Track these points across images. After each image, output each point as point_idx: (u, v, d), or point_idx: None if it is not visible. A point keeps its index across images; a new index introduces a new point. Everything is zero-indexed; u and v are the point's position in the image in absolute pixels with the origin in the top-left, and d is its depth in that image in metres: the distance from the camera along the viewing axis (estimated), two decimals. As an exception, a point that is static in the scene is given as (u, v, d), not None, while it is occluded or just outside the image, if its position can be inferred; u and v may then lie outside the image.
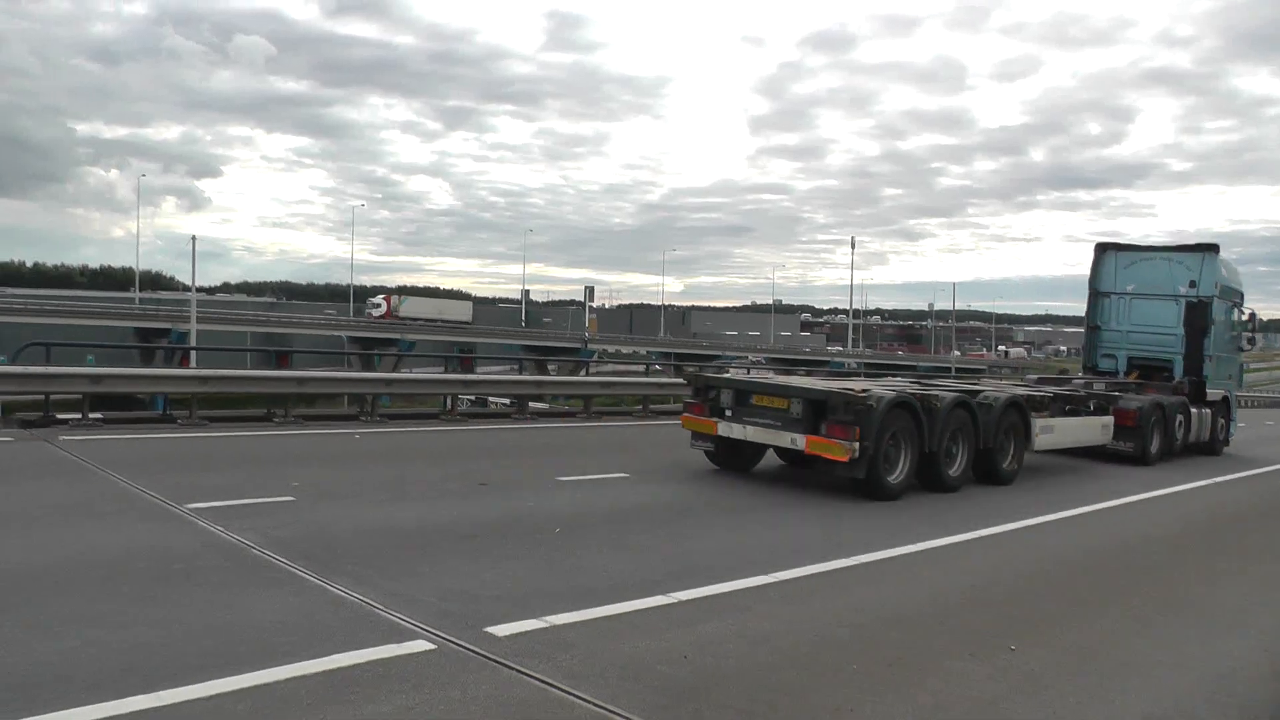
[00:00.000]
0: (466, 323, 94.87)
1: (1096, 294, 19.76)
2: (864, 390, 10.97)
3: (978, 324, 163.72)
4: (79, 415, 13.78)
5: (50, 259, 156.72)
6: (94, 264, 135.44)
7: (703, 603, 6.64)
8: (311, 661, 4.94)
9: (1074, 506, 12.01)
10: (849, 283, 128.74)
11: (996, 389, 14.03)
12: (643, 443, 16.42)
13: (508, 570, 7.10)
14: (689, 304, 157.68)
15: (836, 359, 76.53)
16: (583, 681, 4.97)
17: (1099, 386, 17.49)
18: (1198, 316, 18.28)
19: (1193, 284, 18.22)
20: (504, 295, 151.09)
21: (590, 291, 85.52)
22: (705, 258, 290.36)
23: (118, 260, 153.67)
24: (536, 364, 57.85)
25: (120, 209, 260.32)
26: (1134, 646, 6.47)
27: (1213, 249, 18.15)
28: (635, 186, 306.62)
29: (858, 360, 71.78)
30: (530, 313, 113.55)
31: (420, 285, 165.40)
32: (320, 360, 50.10)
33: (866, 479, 10.93)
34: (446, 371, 36.27)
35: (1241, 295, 19.87)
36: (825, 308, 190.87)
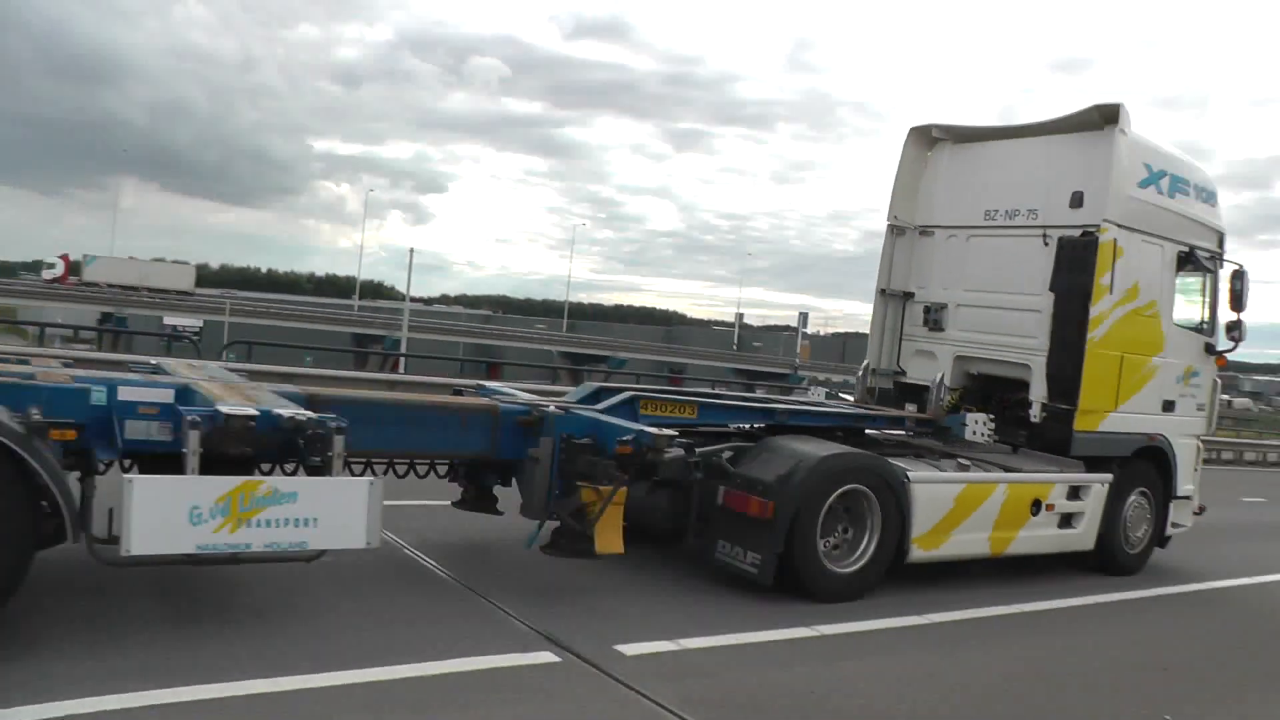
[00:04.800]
0: (185, 292, 68.74)
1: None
2: None
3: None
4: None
5: (282, 266, 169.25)
6: (320, 272, 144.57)
7: (847, 639, 6.34)
8: (433, 663, 5.00)
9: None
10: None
11: None
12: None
13: (648, 590, 7.00)
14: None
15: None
16: (699, 708, 4.80)
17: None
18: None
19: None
20: (719, 318, 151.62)
21: (804, 318, 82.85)
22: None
23: (343, 269, 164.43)
24: (744, 388, 57.77)
25: (349, 221, 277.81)
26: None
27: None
28: (860, 213, 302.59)
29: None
30: (743, 336, 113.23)
31: (637, 304, 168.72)
32: (529, 373, 51.63)
33: None
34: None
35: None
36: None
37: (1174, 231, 9.41)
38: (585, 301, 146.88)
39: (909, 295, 10.34)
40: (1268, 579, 10.39)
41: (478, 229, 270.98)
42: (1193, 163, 9.79)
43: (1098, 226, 8.68)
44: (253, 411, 5.28)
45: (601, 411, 7.08)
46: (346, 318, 70.54)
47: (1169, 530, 9.90)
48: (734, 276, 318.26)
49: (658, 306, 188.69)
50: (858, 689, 5.44)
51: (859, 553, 7.36)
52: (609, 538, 6.36)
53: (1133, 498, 9.50)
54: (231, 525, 4.91)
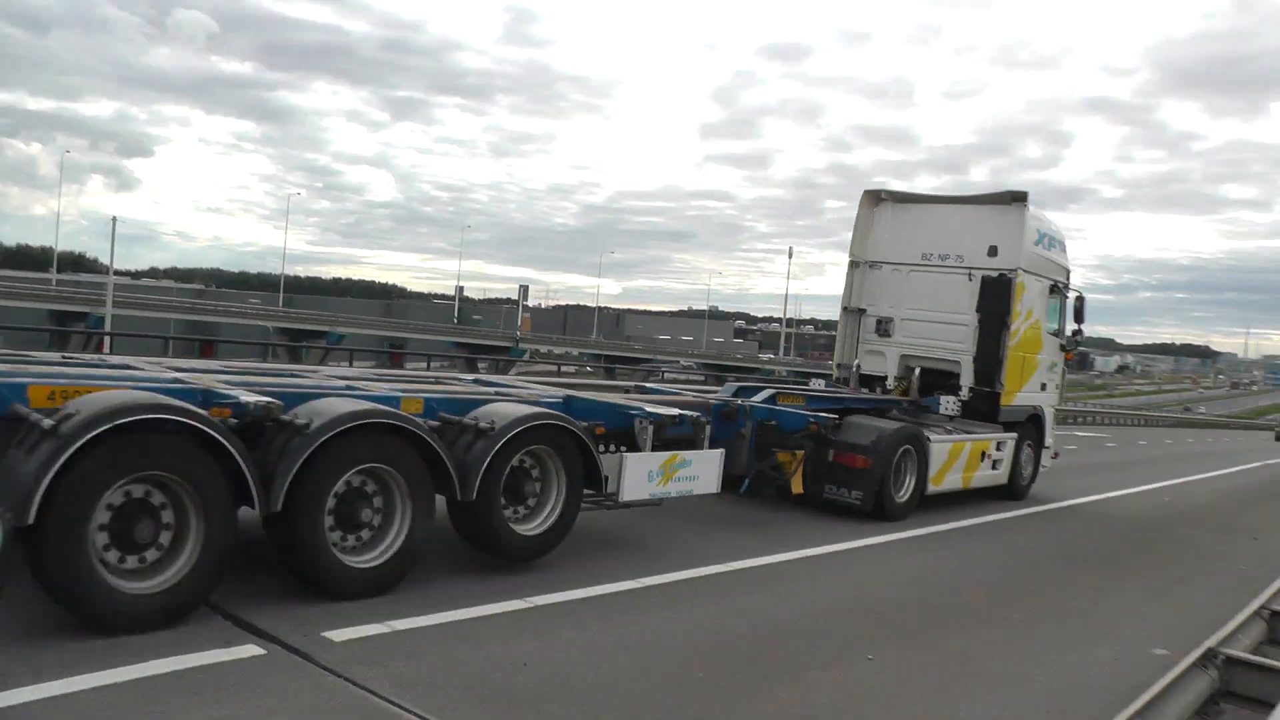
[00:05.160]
0: None
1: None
2: None
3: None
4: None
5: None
6: (10, 242, 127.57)
7: (562, 608, 6.52)
8: (125, 668, 4.71)
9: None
10: (785, 292, 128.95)
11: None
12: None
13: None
14: (625, 307, 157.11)
15: (767, 366, 77.15)
16: (410, 690, 4.81)
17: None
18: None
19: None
20: (440, 291, 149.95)
21: (525, 290, 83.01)
22: (645, 261, 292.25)
23: (37, 239, 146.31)
24: (467, 362, 57.45)
25: (42, 185, 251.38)
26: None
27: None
28: (580, 187, 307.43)
29: (788, 368, 72.02)
30: (464, 310, 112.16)
31: (356, 278, 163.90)
32: (245, 350, 48.97)
33: None
34: (379, 365, 35.71)
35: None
36: (761, 315, 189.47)
37: (1048, 271, 13.94)
38: (303, 275, 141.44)
39: (862, 311, 14.40)
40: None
41: (188, 197, 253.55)
42: (1057, 225, 14.39)
43: (1013, 271, 12.96)
44: (675, 413, 8.28)
45: (763, 403, 10.64)
46: (43, 293, 64.09)
47: (1040, 470, 14.73)
48: (454, 249, 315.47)
49: (377, 280, 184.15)
50: (570, 658, 5.61)
51: (904, 488, 11.31)
52: (799, 485, 10.20)
53: (1024, 448, 14.07)
54: (664, 481, 7.99)
